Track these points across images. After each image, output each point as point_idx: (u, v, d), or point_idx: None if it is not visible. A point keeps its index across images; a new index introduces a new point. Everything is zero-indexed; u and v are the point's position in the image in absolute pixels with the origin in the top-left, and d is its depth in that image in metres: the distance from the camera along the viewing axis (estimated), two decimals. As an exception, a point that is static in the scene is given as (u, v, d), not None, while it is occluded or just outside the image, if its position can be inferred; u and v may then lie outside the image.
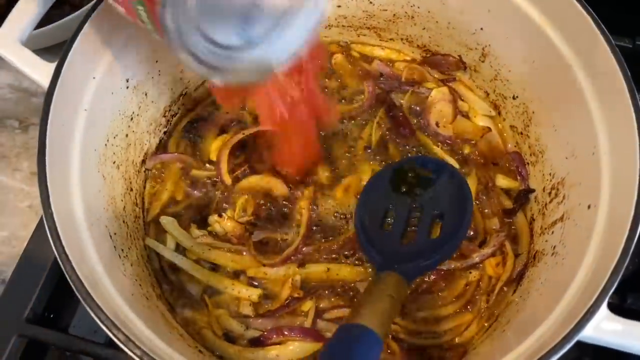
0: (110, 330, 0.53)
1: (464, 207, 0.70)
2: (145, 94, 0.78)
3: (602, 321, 0.55)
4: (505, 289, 0.73)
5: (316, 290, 0.73)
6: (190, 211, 0.79)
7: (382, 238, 0.71)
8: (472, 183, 0.79)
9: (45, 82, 0.63)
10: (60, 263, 0.55)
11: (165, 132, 0.85)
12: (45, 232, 0.79)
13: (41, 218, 0.83)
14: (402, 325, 0.71)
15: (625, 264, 0.56)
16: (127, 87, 0.75)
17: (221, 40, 0.51)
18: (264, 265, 0.74)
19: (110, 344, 0.75)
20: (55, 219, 0.57)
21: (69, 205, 0.62)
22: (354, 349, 0.54)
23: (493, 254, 0.75)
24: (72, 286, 0.55)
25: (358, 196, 0.77)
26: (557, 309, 0.59)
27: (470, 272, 0.74)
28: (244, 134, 0.81)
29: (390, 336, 0.70)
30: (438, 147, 0.83)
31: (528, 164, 0.81)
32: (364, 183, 0.79)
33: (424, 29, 0.87)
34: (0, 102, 1.00)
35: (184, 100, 0.86)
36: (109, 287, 0.59)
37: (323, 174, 0.81)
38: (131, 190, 0.77)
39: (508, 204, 0.79)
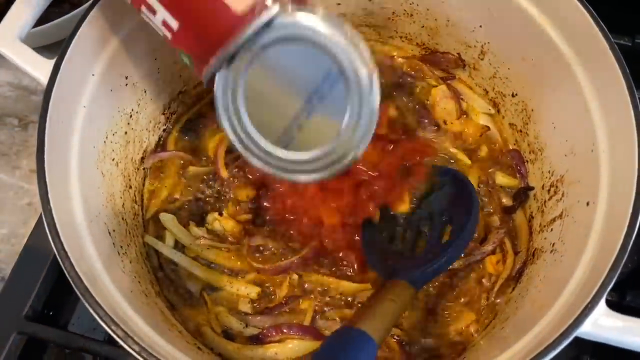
0: (109, 327, 0.53)
1: (470, 207, 0.71)
2: (145, 92, 0.78)
3: (600, 317, 0.55)
4: (505, 286, 0.73)
5: (315, 289, 0.74)
6: (189, 209, 0.79)
7: (393, 254, 0.72)
8: (473, 181, 0.79)
9: (44, 79, 0.63)
10: (59, 260, 0.55)
11: (164, 130, 0.85)
12: (44, 229, 0.79)
13: (40, 215, 0.83)
14: (404, 328, 0.71)
15: (624, 261, 0.56)
16: (126, 85, 0.75)
17: (256, 139, 0.50)
18: (258, 271, 0.74)
19: (110, 341, 0.75)
20: (54, 216, 0.57)
21: (68, 202, 0.62)
22: (346, 350, 0.53)
23: (493, 252, 0.75)
24: (71, 283, 0.55)
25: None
26: (556, 305, 0.59)
27: (473, 270, 0.75)
28: None
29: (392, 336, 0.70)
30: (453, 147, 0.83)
31: (527, 161, 0.81)
32: None
33: (423, 26, 0.87)
34: (-1, 100, 1.00)
35: (183, 97, 0.86)
36: (108, 284, 0.59)
37: None
38: (130, 187, 0.77)
39: (507, 201, 0.79)
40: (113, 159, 0.73)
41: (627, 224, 0.57)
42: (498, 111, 0.85)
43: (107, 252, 0.64)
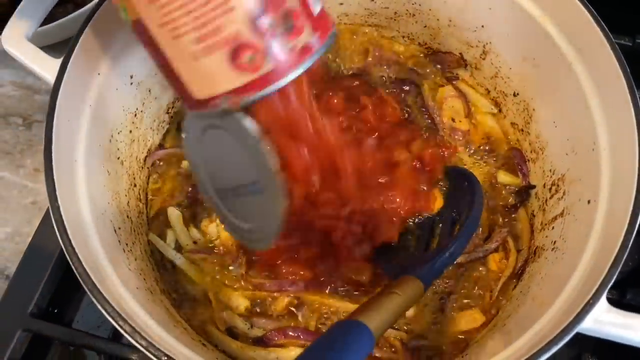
0: (116, 322, 0.54)
1: (472, 199, 0.71)
2: (149, 91, 0.79)
3: (601, 314, 0.55)
4: (507, 284, 0.74)
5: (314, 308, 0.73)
6: (190, 209, 0.79)
7: (405, 256, 0.72)
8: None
9: (51, 78, 0.63)
10: (67, 256, 0.56)
11: (167, 129, 0.85)
12: (49, 228, 0.81)
13: (45, 214, 0.84)
14: (407, 327, 0.72)
15: (624, 257, 0.56)
16: (131, 84, 0.75)
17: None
18: (253, 287, 0.74)
19: (114, 338, 0.76)
20: (62, 213, 0.57)
21: (75, 199, 0.63)
22: (341, 340, 0.53)
23: (496, 250, 0.76)
24: (79, 279, 0.55)
25: None
26: (557, 302, 0.60)
27: (477, 268, 0.75)
28: None
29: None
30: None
31: (529, 160, 0.82)
32: None
33: (425, 26, 0.87)
34: (3, 99, 1.00)
35: (187, 97, 0.86)
36: (115, 281, 0.60)
37: None
38: (135, 186, 0.77)
39: (510, 200, 0.80)
40: (118, 158, 0.74)
41: (627, 221, 0.58)
42: (500, 110, 0.86)
43: (113, 250, 0.65)
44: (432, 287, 0.74)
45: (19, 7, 0.68)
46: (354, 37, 0.91)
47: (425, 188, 0.78)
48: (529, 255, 0.75)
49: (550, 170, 0.77)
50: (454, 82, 0.88)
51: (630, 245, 0.57)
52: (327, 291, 0.73)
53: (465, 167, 0.82)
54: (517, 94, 0.82)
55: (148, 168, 0.82)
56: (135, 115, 0.77)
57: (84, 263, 0.55)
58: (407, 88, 0.87)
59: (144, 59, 0.75)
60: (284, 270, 0.73)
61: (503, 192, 0.81)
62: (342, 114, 0.81)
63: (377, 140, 0.79)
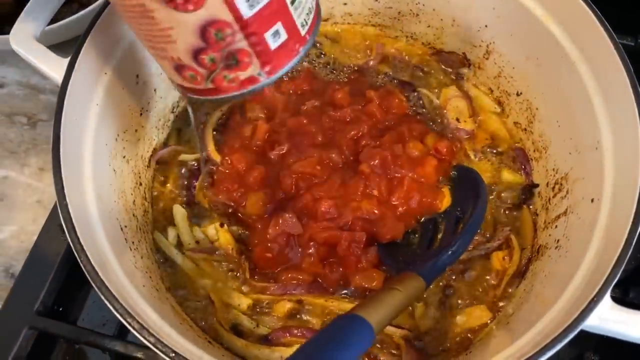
0: (124, 319, 0.54)
1: (476, 198, 0.72)
2: (155, 90, 0.79)
3: (606, 311, 0.56)
4: (511, 282, 0.74)
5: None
6: (192, 209, 0.79)
7: (408, 254, 0.73)
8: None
9: (59, 78, 0.64)
10: (75, 253, 0.56)
11: (172, 128, 0.86)
12: (54, 226, 0.81)
13: (50, 213, 0.84)
14: (411, 325, 0.72)
15: (628, 256, 0.57)
16: (137, 83, 0.76)
17: None
18: (256, 290, 0.73)
19: (119, 336, 0.76)
20: (70, 210, 0.58)
21: (82, 197, 0.63)
22: (340, 333, 0.53)
23: (499, 248, 0.76)
24: (87, 276, 0.55)
25: None
26: (561, 300, 0.60)
27: (480, 266, 0.75)
28: (221, 110, 0.84)
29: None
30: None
31: (532, 159, 0.82)
32: None
33: (429, 26, 0.88)
34: (8, 99, 1.01)
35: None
36: (122, 278, 0.60)
37: None
38: (140, 184, 0.78)
39: (513, 199, 0.80)
40: (124, 157, 0.74)
41: (631, 220, 0.58)
42: (503, 110, 0.86)
43: (120, 247, 0.65)
44: (436, 285, 0.74)
45: (27, 6, 0.69)
46: (357, 36, 0.92)
47: (440, 183, 0.79)
48: (533, 254, 0.75)
49: (553, 169, 0.77)
50: (458, 82, 0.88)
51: (634, 244, 0.57)
52: (330, 296, 0.73)
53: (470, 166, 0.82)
54: (520, 93, 0.83)
55: (153, 167, 0.82)
56: (141, 114, 0.78)
57: (92, 261, 0.56)
58: (410, 89, 0.88)
59: (150, 58, 0.75)
60: (283, 278, 0.73)
61: (506, 190, 0.81)
62: (347, 108, 0.81)
63: (389, 133, 0.80)
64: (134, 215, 0.73)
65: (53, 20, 0.90)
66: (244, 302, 0.73)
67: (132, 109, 0.76)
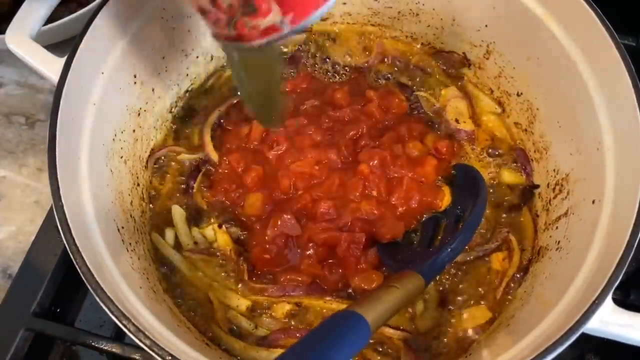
0: (120, 321, 0.53)
1: (476, 196, 0.71)
2: (152, 90, 0.79)
3: (607, 314, 0.55)
4: (511, 284, 0.74)
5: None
6: (189, 210, 0.79)
7: (408, 253, 0.72)
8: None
9: (55, 77, 0.63)
10: (71, 255, 0.56)
11: (170, 128, 0.85)
12: (51, 227, 0.81)
13: (48, 213, 0.84)
14: (410, 326, 0.71)
15: (630, 258, 0.56)
16: (135, 83, 0.75)
17: None
18: (255, 292, 0.73)
19: (116, 337, 0.76)
20: (66, 212, 0.57)
21: (79, 198, 0.63)
22: (335, 330, 0.53)
23: (498, 249, 0.75)
24: (83, 278, 0.55)
25: None
26: (562, 302, 0.60)
27: (480, 268, 0.75)
28: (220, 110, 0.84)
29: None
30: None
31: (532, 160, 0.81)
32: None
33: (429, 26, 0.87)
34: (6, 99, 1.00)
35: (190, 95, 0.86)
36: (118, 280, 0.60)
37: None
38: (138, 185, 0.77)
39: (513, 199, 0.80)
40: (121, 157, 0.74)
41: (633, 221, 0.58)
42: (503, 110, 0.86)
43: (117, 249, 0.65)
44: (436, 287, 0.74)
45: (23, 5, 0.68)
46: (357, 36, 0.91)
47: (440, 182, 0.79)
48: (533, 255, 0.75)
49: (554, 170, 0.76)
50: (458, 82, 0.88)
51: (635, 246, 0.57)
52: (329, 297, 0.72)
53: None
54: (521, 93, 0.82)
55: (151, 167, 0.81)
56: (139, 114, 0.77)
57: (87, 262, 0.55)
58: (408, 92, 0.87)
59: (148, 58, 0.76)
60: (282, 279, 0.73)
61: (507, 191, 0.80)
62: (347, 108, 0.81)
63: (389, 133, 0.80)
64: (131, 216, 0.73)
65: (51, 20, 0.90)
66: (243, 303, 0.72)
67: (129, 109, 0.75)
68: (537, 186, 0.79)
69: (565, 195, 0.73)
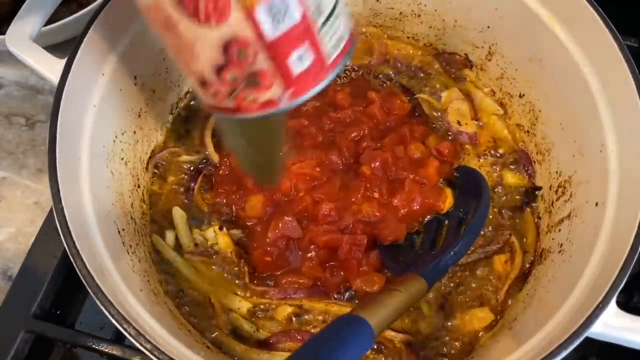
0: (120, 325, 0.53)
1: (479, 199, 0.71)
2: (153, 91, 0.79)
3: (611, 318, 0.55)
4: (513, 286, 0.73)
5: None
6: (190, 212, 0.79)
7: (410, 256, 0.72)
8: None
9: (55, 79, 0.63)
10: (71, 257, 0.55)
11: (171, 130, 0.85)
12: (52, 228, 0.81)
13: (48, 215, 0.84)
14: (412, 329, 0.71)
15: (634, 261, 0.56)
16: (135, 84, 0.75)
17: None
18: (256, 295, 0.72)
19: (117, 340, 0.75)
20: (66, 214, 0.57)
21: (79, 200, 0.62)
22: (339, 334, 0.53)
23: (500, 251, 0.75)
24: (83, 280, 0.55)
25: None
26: (565, 306, 0.59)
27: (482, 270, 0.75)
28: None
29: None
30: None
31: (535, 162, 0.81)
32: None
33: (431, 27, 0.87)
34: (6, 100, 1.00)
35: (190, 97, 0.86)
36: (119, 282, 0.59)
37: None
38: (138, 187, 0.77)
39: (515, 201, 0.79)
40: (122, 159, 0.73)
41: (637, 224, 0.57)
42: (505, 112, 0.85)
43: (117, 251, 0.64)
44: (438, 289, 0.73)
45: (23, 6, 0.68)
46: (359, 37, 0.91)
47: (442, 184, 0.78)
48: (536, 258, 0.74)
49: (556, 172, 0.76)
50: (460, 84, 0.87)
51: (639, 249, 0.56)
52: (330, 300, 0.72)
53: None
54: (523, 95, 0.82)
55: (152, 169, 0.81)
56: (139, 115, 0.77)
57: (87, 265, 0.55)
58: (409, 95, 0.87)
59: (148, 59, 0.76)
60: (283, 282, 0.72)
61: (509, 193, 0.80)
62: (348, 109, 0.81)
63: (391, 134, 0.79)
64: (131, 218, 0.72)
65: (52, 20, 0.90)
66: (244, 305, 0.72)
67: (130, 110, 0.75)
68: (540, 188, 0.79)
69: (568, 197, 0.72)
